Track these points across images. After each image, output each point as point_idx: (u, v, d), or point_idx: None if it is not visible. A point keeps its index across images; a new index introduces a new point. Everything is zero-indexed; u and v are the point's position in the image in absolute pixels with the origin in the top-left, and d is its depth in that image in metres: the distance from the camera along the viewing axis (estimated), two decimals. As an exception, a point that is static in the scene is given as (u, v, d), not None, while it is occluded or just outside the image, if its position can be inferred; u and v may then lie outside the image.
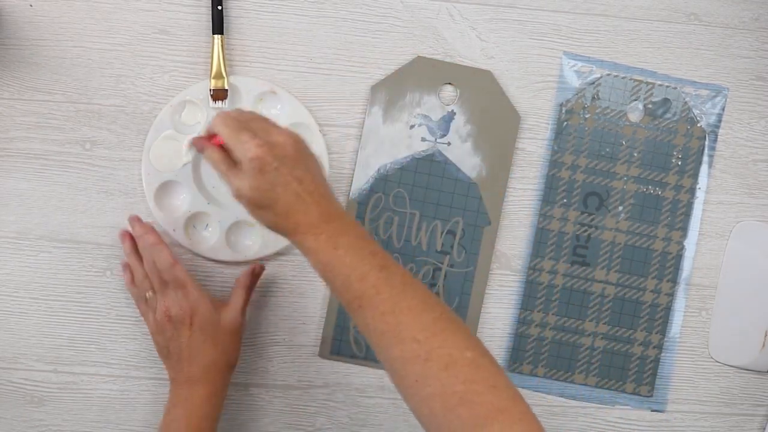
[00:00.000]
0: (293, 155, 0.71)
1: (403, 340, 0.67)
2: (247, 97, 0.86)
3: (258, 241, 0.88)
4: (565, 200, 0.90)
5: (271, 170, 0.70)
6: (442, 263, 0.89)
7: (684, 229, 0.91)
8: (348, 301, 0.70)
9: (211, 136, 0.74)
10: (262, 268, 0.87)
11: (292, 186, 0.70)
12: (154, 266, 0.82)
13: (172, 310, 0.81)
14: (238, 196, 0.72)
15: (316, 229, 0.70)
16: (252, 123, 0.72)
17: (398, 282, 0.69)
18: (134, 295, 0.85)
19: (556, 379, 0.91)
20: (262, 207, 0.71)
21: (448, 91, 0.89)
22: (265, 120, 0.74)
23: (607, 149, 0.90)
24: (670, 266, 0.91)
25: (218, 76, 0.85)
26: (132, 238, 0.85)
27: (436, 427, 0.65)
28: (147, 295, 0.83)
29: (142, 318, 0.86)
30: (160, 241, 0.82)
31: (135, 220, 0.85)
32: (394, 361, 0.67)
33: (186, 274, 0.82)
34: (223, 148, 0.73)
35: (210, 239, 0.88)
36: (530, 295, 0.90)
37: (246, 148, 0.70)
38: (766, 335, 0.92)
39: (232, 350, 0.84)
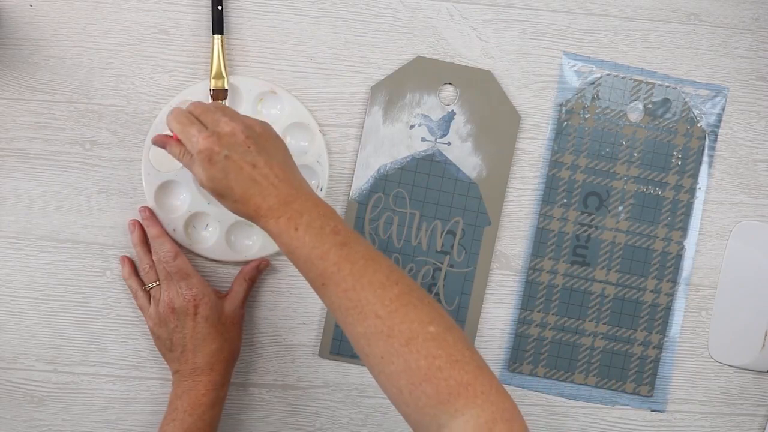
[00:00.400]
0: (244, 141, 0.72)
1: (366, 316, 0.67)
2: (247, 97, 0.86)
3: (258, 241, 0.88)
4: (565, 200, 0.90)
5: (220, 159, 0.71)
6: (442, 263, 0.89)
7: (684, 229, 0.91)
8: (312, 280, 0.70)
9: (169, 134, 0.76)
10: (268, 264, 0.88)
11: (246, 171, 0.71)
12: (160, 257, 0.84)
13: (176, 302, 0.82)
14: (200, 184, 0.74)
15: (276, 212, 0.71)
16: (203, 116, 0.74)
17: (360, 258, 0.69)
18: (132, 288, 0.86)
19: (556, 379, 0.91)
20: (221, 195, 0.73)
21: (448, 91, 0.89)
22: (216, 111, 0.74)
23: (607, 149, 0.90)
24: (670, 266, 0.91)
25: (218, 76, 0.85)
26: (141, 228, 0.86)
27: (404, 403, 0.65)
28: (151, 285, 0.84)
29: (141, 312, 0.86)
30: (162, 233, 0.84)
31: (144, 210, 0.86)
32: (359, 338, 0.67)
33: (189, 265, 0.83)
34: (182, 143, 0.75)
35: (210, 239, 0.88)
36: (530, 295, 0.90)
37: (194, 142, 0.72)
38: (766, 335, 0.92)
39: (235, 339, 0.85)
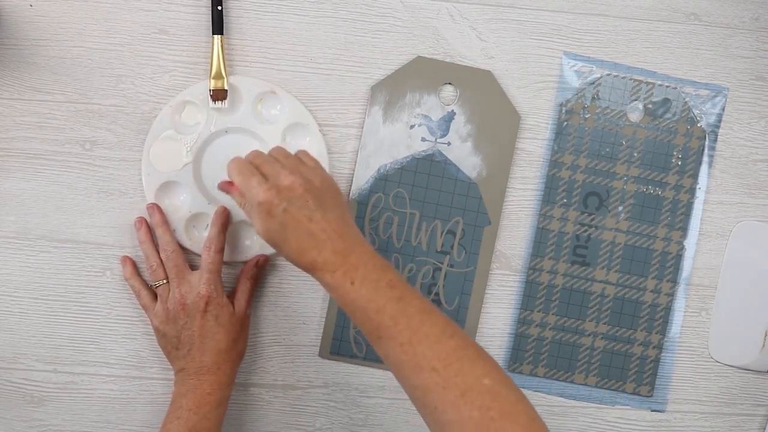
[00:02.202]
0: (302, 195, 0.73)
1: (421, 369, 0.68)
2: (247, 97, 0.86)
3: (258, 241, 0.88)
4: (565, 200, 0.90)
5: (279, 212, 0.72)
6: (442, 263, 0.89)
7: (684, 229, 0.91)
8: (368, 332, 0.71)
9: (231, 182, 0.77)
10: (267, 259, 0.88)
11: (303, 224, 0.72)
12: (169, 255, 0.84)
13: (189, 297, 0.83)
14: (258, 234, 0.74)
15: (332, 265, 0.72)
16: (264, 166, 0.75)
17: (415, 312, 0.70)
18: (135, 287, 0.86)
19: (556, 379, 0.91)
20: (278, 246, 0.74)
21: (448, 91, 0.89)
22: (277, 162, 0.76)
23: (607, 149, 0.90)
24: (670, 266, 0.91)
25: (218, 76, 0.85)
26: (147, 225, 0.86)
27: None
28: (158, 283, 0.84)
29: (144, 311, 0.86)
30: (165, 222, 0.86)
31: (153, 207, 0.86)
32: (414, 390, 0.69)
33: (204, 261, 0.84)
34: (240, 195, 0.76)
35: (210, 239, 0.88)
36: (530, 295, 0.90)
37: (254, 194, 0.73)
38: (766, 335, 0.92)
39: (242, 340, 0.86)
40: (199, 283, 0.83)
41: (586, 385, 0.91)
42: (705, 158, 0.90)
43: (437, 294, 0.89)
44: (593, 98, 0.90)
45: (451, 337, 0.69)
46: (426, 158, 0.89)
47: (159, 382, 0.89)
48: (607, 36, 0.90)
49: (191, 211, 0.87)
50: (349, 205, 0.78)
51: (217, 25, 0.86)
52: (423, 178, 0.89)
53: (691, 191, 0.91)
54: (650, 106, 0.90)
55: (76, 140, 0.87)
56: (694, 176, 0.90)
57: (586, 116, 0.90)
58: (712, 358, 0.92)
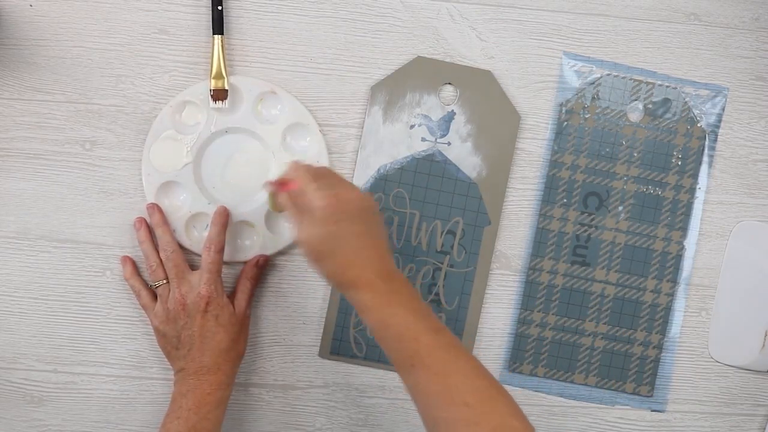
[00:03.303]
0: (357, 213, 0.74)
1: (453, 402, 0.68)
2: (247, 97, 0.86)
3: (258, 241, 0.88)
4: (565, 200, 0.90)
5: (334, 222, 0.72)
6: (442, 263, 0.89)
7: (684, 229, 0.91)
8: (399, 360, 0.71)
9: (284, 182, 0.77)
10: (267, 259, 0.88)
11: (352, 241, 0.73)
12: (169, 255, 0.84)
13: (189, 297, 0.83)
14: (300, 242, 0.74)
15: (372, 286, 0.72)
16: (323, 179, 0.75)
17: (451, 346, 0.71)
18: (135, 288, 0.86)
19: (556, 379, 0.91)
20: (321, 257, 0.73)
21: (448, 91, 0.89)
22: (334, 176, 0.77)
23: (607, 149, 0.90)
24: (670, 266, 0.91)
25: (218, 76, 0.85)
26: (147, 225, 0.86)
27: None
28: (158, 283, 0.84)
29: (144, 311, 0.86)
30: (165, 222, 0.86)
31: (153, 207, 0.86)
32: (439, 422, 0.69)
33: (204, 261, 0.84)
34: (292, 196, 0.75)
35: (210, 239, 0.88)
36: (530, 295, 0.90)
37: (317, 196, 0.73)
38: (766, 335, 0.92)
39: (242, 340, 0.86)
40: (199, 283, 0.83)
41: (586, 385, 0.91)
42: (705, 158, 0.90)
43: (437, 294, 0.89)
44: (593, 98, 0.90)
45: (484, 375, 0.70)
46: (426, 158, 0.89)
47: (159, 382, 0.89)
48: (607, 36, 0.90)
49: (191, 211, 0.87)
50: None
51: (218, 25, 0.86)
52: (423, 178, 0.89)
53: (691, 191, 0.91)
54: (650, 106, 0.90)
55: (76, 140, 0.87)
56: (694, 176, 0.90)
57: (586, 116, 0.90)
58: (712, 358, 0.92)
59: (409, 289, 0.73)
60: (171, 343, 0.84)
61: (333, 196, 0.73)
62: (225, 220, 0.85)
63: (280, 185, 0.77)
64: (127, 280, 0.87)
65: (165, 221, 0.86)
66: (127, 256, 0.87)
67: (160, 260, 0.85)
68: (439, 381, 0.69)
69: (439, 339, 0.71)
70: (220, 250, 0.84)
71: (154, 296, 0.85)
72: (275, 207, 0.80)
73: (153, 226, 0.86)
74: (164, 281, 0.84)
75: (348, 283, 0.73)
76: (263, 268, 0.88)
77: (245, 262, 0.88)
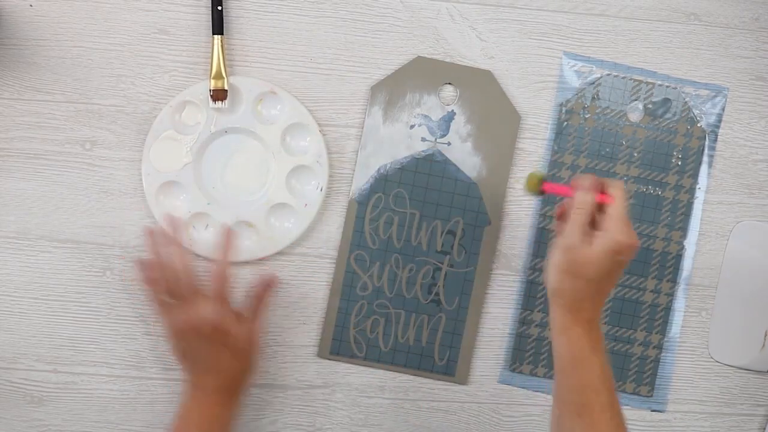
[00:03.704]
0: (628, 263, 0.74)
1: None
2: (247, 97, 0.86)
3: (258, 241, 0.88)
4: (565, 200, 0.90)
5: (618, 262, 0.72)
6: (442, 263, 0.89)
7: (684, 229, 0.91)
8: (570, 402, 0.72)
9: (603, 192, 0.75)
10: (276, 279, 0.87)
11: (604, 284, 0.73)
12: (183, 276, 0.82)
13: (199, 321, 0.81)
14: (567, 249, 0.73)
15: (589, 325, 0.73)
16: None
17: (618, 413, 0.72)
18: (151, 295, 0.85)
19: (556, 379, 0.91)
20: (577, 276, 0.73)
21: (448, 91, 0.89)
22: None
23: (607, 149, 0.90)
24: (670, 266, 0.91)
25: (218, 76, 0.85)
26: (161, 238, 0.85)
27: None
28: (168, 300, 0.83)
29: (159, 317, 0.85)
30: (179, 243, 0.84)
31: (171, 221, 0.85)
32: None
33: (215, 287, 0.82)
34: (599, 206, 0.74)
35: (210, 239, 0.88)
36: (530, 295, 0.90)
37: (626, 231, 0.72)
38: (766, 335, 0.92)
39: (251, 363, 0.84)
40: (209, 308, 0.81)
41: (586, 385, 0.91)
42: (705, 158, 0.90)
43: (437, 294, 0.89)
44: (593, 98, 0.90)
45: None
46: (426, 158, 0.89)
47: (159, 382, 0.89)
48: (607, 36, 0.90)
49: (191, 211, 0.87)
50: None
51: (217, 25, 0.86)
52: (423, 178, 0.89)
53: (691, 191, 0.91)
54: (650, 106, 0.90)
55: (76, 140, 0.87)
56: (694, 176, 0.90)
57: (586, 116, 0.90)
58: (712, 358, 0.92)
59: (602, 343, 0.74)
60: (179, 354, 0.83)
61: (637, 241, 0.72)
62: (233, 242, 0.84)
63: (597, 191, 0.75)
64: (141, 285, 0.86)
65: (180, 239, 0.85)
66: (142, 260, 0.86)
67: (175, 278, 0.83)
68: None
69: (613, 401, 0.72)
70: (224, 273, 0.82)
71: (167, 306, 0.84)
72: (533, 188, 0.79)
73: (167, 243, 0.84)
74: (180, 300, 0.82)
75: (573, 310, 0.73)
76: (271, 287, 0.86)
77: (245, 263, 0.87)
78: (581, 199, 0.74)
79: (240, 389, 0.83)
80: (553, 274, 0.74)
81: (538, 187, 0.78)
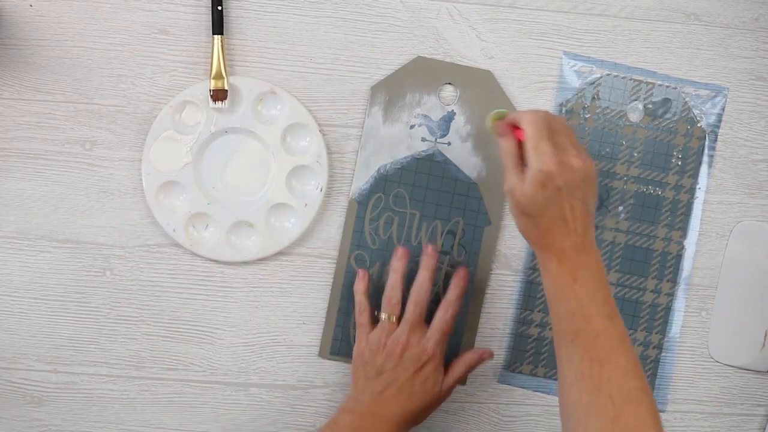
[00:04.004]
0: (578, 183, 0.72)
1: (599, 391, 0.68)
2: (247, 97, 0.86)
3: (258, 241, 0.88)
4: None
5: (553, 189, 0.71)
6: (442, 263, 0.89)
7: (684, 229, 0.91)
8: (562, 331, 0.71)
9: (514, 127, 0.75)
10: (491, 356, 0.87)
11: (563, 209, 0.72)
12: (419, 301, 0.83)
13: (413, 347, 0.82)
14: (509, 193, 0.73)
15: (564, 255, 0.72)
16: (557, 135, 0.73)
17: (617, 336, 0.70)
18: (361, 304, 0.85)
19: (557, 379, 0.91)
20: (526, 215, 0.73)
21: (448, 91, 0.89)
22: (569, 136, 0.74)
23: (607, 149, 0.90)
24: (670, 266, 0.91)
25: (218, 76, 0.85)
26: (409, 257, 0.85)
27: None
28: (385, 317, 0.83)
29: (357, 327, 0.85)
30: (434, 276, 0.85)
31: (433, 249, 0.85)
32: (578, 406, 0.69)
33: (439, 321, 0.84)
34: (520, 144, 0.74)
35: (210, 239, 0.88)
36: (530, 295, 0.90)
37: (541, 159, 0.71)
38: (766, 335, 0.92)
39: (428, 412, 0.84)
40: (428, 340, 0.82)
41: (586, 385, 0.91)
42: (705, 158, 0.90)
43: (437, 294, 0.89)
44: (593, 98, 0.90)
45: (637, 377, 0.69)
46: (426, 158, 0.89)
47: (159, 382, 0.89)
48: (607, 36, 0.90)
49: (191, 211, 0.87)
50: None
51: (217, 25, 0.86)
52: (423, 178, 0.89)
53: (691, 191, 0.91)
54: (650, 106, 0.90)
55: (76, 140, 0.87)
56: (694, 176, 0.90)
57: (586, 116, 0.90)
58: (712, 358, 0.92)
59: (598, 266, 0.72)
60: (367, 374, 0.82)
61: (558, 163, 0.71)
62: (466, 283, 0.85)
63: (511, 127, 0.75)
64: (357, 293, 0.86)
65: (436, 266, 0.85)
66: (366, 271, 0.87)
67: (402, 297, 0.84)
68: (592, 366, 0.68)
69: (609, 325, 0.70)
70: (456, 315, 0.84)
71: (375, 320, 0.85)
72: (492, 130, 0.78)
73: (422, 267, 0.85)
74: (395, 317, 0.83)
75: (542, 246, 0.73)
76: (484, 362, 0.86)
77: (245, 263, 0.87)
78: (502, 146, 0.75)
79: (405, 429, 0.82)
80: (514, 220, 0.75)
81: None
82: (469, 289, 0.88)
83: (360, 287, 0.86)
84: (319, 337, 0.90)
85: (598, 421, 0.67)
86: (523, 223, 0.74)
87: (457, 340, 0.89)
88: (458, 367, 0.85)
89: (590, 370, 0.68)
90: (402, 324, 0.83)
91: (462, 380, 0.87)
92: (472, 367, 0.86)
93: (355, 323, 0.88)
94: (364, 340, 0.84)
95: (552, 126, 0.73)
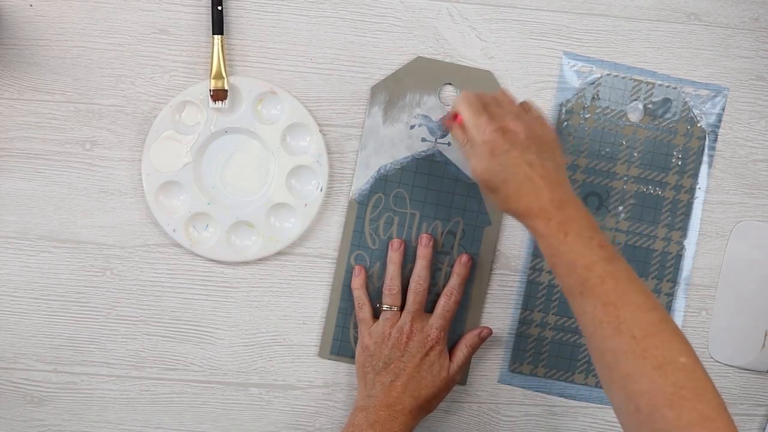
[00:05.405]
0: (524, 141, 0.74)
1: (620, 333, 0.67)
2: (247, 98, 0.86)
3: (258, 241, 0.88)
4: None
5: (502, 153, 0.73)
6: (442, 263, 0.89)
7: (684, 229, 0.91)
8: (570, 286, 0.71)
9: (455, 115, 0.77)
10: (490, 333, 0.88)
11: (522, 169, 0.73)
12: (420, 290, 0.85)
13: (417, 335, 0.83)
14: (474, 174, 0.75)
15: (547, 213, 0.72)
16: (491, 107, 0.76)
17: (623, 276, 0.70)
18: (360, 299, 0.87)
19: (556, 379, 0.91)
20: (494, 188, 0.74)
21: (448, 91, 0.89)
22: (503, 104, 0.77)
23: (607, 149, 0.90)
24: (670, 266, 0.91)
25: (218, 76, 0.85)
26: (405, 249, 0.87)
27: (636, 423, 0.66)
28: (387, 308, 0.85)
29: (358, 323, 0.86)
30: (430, 264, 0.87)
31: (428, 239, 0.87)
32: (605, 352, 0.68)
33: (441, 308, 0.85)
34: (465, 129, 0.76)
35: (210, 239, 0.88)
36: (530, 295, 0.90)
37: (480, 131, 0.74)
38: (766, 335, 0.92)
39: (439, 398, 0.85)
40: (431, 326, 0.83)
41: (586, 385, 0.91)
42: (705, 158, 0.90)
43: (437, 294, 0.89)
44: (593, 98, 0.90)
45: (654, 308, 0.68)
46: (426, 158, 0.89)
47: (159, 382, 0.89)
48: (607, 36, 0.90)
49: (191, 211, 0.87)
50: (561, 156, 0.77)
51: (217, 25, 0.86)
52: (423, 178, 0.89)
53: (691, 191, 0.91)
54: (650, 106, 0.90)
55: (76, 140, 0.87)
56: (694, 176, 0.90)
57: (586, 116, 0.90)
58: (712, 358, 0.92)
59: (585, 216, 0.72)
60: (374, 367, 0.83)
61: (497, 129, 0.73)
62: (467, 270, 0.87)
63: (452, 119, 0.78)
64: (354, 290, 0.87)
65: (432, 256, 0.87)
66: (362, 267, 0.87)
67: (402, 287, 0.86)
68: (607, 311, 0.68)
69: (611, 268, 0.70)
70: (459, 302, 0.86)
71: (375, 314, 0.86)
72: (450, 132, 0.82)
73: (418, 257, 0.86)
74: (396, 308, 0.85)
75: (522, 212, 0.73)
76: (484, 339, 0.88)
77: (245, 263, 0.87)
78: (453, 136, 0.79)
79: (418, 417, 0.83)
80: (492, 200, 0.77)
81: None
82: (472, 276, 0.89)
83: (357, 283, 0.87)
84: (319, 337, 0.90)
85: (628, 361, 0.66)
86: (497, 198, 0.75)
87: (460, 330, 0.89)
88: (461, 351, 0.86)
89: (606, 315, 0.68)
90: (404, 314, 0.85)
91: (467, 362, 0.87)
92: (474, 348, 0.87)
93: (355, 323, 0.88)
94: (367, 334, 0.85)
95: (484, 100, 0.76)
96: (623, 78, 0.90)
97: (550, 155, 0.75)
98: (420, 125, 0.89)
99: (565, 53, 0.90)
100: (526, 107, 0.79)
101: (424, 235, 0.87)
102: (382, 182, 0.89)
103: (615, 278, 0.69)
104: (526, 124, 0.75)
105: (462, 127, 0.76)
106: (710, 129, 0.90)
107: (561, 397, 0.91)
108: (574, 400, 0.91)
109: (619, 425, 0.92)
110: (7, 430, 0.88)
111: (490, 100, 0.77)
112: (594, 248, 0.70)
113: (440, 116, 0.89)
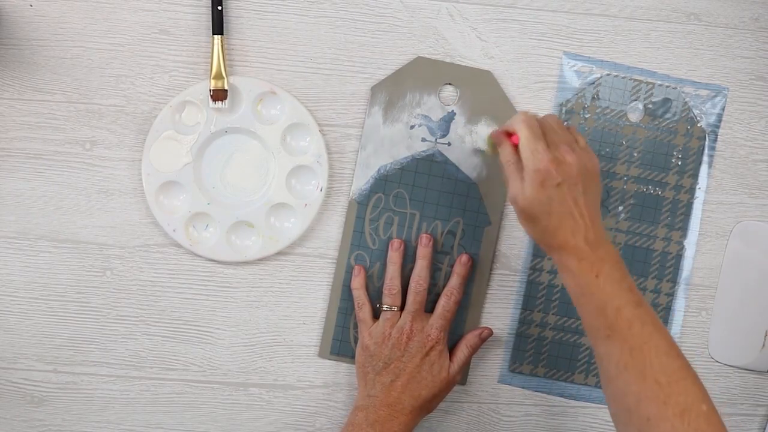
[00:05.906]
0: (575, 177, 0.73)
1: (644, 378, 0.68)
2: (247, 98, 0.86)
3: (258, 241, 0.88)
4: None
5: (552, 186, 0.72)
6: (442, 263, 0.89)
7: (684, 229, 0.91)
8: (595, 328, 0.71)
9: (510, 133, 0.76)
10: (490, 334, 0.88)
11: (568, 205, 0.72)
12: (420, 290, 0.85)
13: (418, 335, 0.83)
14: (513, 201, 0.74)
15: (581, 252, 0.72)
16: (550, 134, 0.74)
17: (649, 322, 0.71)
18: (360, 299, 0.87)
19: (556, 379, 0.91)
20: (532, 218, 0.73)
21: (448, 91, 0.89)
22: (561, 133, 0.75)
23: (607, 149, 0.90)
24: (670, 266, 0.91)
25: (218, 76, 0.85)
26: (404, 250, 0.87)
27: None
28: (387, 308, 0.85)
29: (358, 323, 0.86)
30: (431, 265, 0.87)
31: (428, 238, 0.87)
32: (629, 396, 0.69)
33: (442, 308, 0.85)
34: (516, 149, 0.75)
35: (210, 239, 0.88)
36: (530, 295, 0.90)
37: (536, 159, 0.72)
38: (766, 335, 0.92)
39: (439, 398, 0.85)
40: (431, 326, 0.84)
41: (586, 385, 0.91)
42: (705, 158, 0.90)
43: (437, 294, 0.89)
44: (593, 98, 0.90)
45: (678, 356, 0.70)
46: (426, 158, 0.89)
47: (159, 382, 0.89)
48: (607, 36, 0.90)
49: (191, 211, 0.87)
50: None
51: (217, 25, 0.86)
52: (423, 178, 0.89)
53: (691, 191, 0.91)
54: (650, 106, 0.90)
55: (76, 140, 0.87)
56: (694, 176, 0.90)
57: (586, 116, 0.90)
58: (712, 358, 0.92)
59: (616, 258, 0.73)
60: (375, 367, 0.83)
61: (553, 161, 0.72)
62: (467, 270, 0.87)
63: (505, 135, 0.77)
64: (354, 290, 0.87)
65: (432, 255, 0.87)
66: (362, 267, 0.87)
67: (401, 287, 0.86)
68: (633, 355, 0.69)
69: (641, 314, 0.70)
70: (459, 302, 0.86)
71: (375, 314, 0.86)
72: (491, 150, 0.81)
73: (418, 256, 0.86)
74: (397, 308, 0.85)
75: (554, 246, 0.73)
76: (485, 340, 0.88)
77: (245, 263, 0.87)
78: (502, 155, 0.76)
79: (418, 417, 0.83)
80: (525, 229, 0.75)
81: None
82: (472, 276, 0.89)
83: (357, 283, 0.87)
84: (319, 337, 0.90)
85: (650, 406, 0.67)
86: (532, 228, 0.74)
87: (460, 330, 0.89)
88: (461, 351, 0.86)
89: (632, 359, 0.69)
90: (404, 314, 0.85)
91: (467, 363, 0.87)
92: (474, 348, 0.87)
93: (355, 323, 0.88)
94: (367, 334, 0.85)
95: (543, 126, 0.75)
96: (623, 78, 0.90)
97: (594, 189, 0.75)
98: (420, 125, 0.89)
99: (565, 53, 0.90)
100: (573, 133, 0.78)
101: (424, 235, 0.87)
102: (382, 182, 0.89)
103: (642, 322, 0.70)
104: (578, 156, 0.74)
105: (512, 147, 0.75)
106: (710, 129, 0.90)
107: (561, 397, 0.91)
108: (574, 400, 0.91)
109: (619, 425, 0.92)
110: (7, 430, 0.88)
111: (550, 124, 0.76)
112: (624, 291, 0.71)
113: (440, 116, 0.89)
